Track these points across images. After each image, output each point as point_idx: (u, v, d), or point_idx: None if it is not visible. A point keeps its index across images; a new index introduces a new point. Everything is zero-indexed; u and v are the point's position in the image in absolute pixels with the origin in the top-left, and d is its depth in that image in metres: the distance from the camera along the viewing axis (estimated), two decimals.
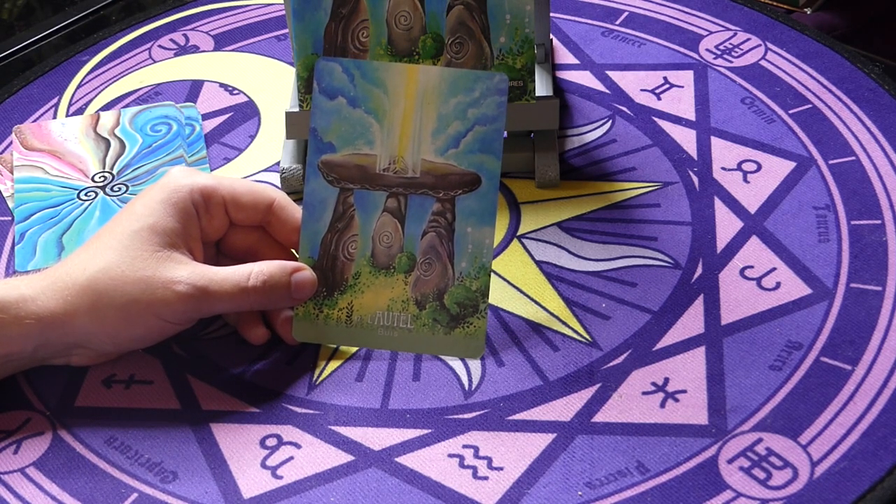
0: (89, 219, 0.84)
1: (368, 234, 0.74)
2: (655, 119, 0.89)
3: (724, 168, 0.85)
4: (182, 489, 0.68)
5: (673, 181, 0.84)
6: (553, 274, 0.79)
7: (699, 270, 0.78)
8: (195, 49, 1.00)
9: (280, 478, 0.68)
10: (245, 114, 0.94)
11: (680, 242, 0.80)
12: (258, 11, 1.04)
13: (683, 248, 0.80)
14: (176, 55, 1.00)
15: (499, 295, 0.78)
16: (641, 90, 0.92)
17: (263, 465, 0.69)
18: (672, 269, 0.78)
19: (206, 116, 0.94)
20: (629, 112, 0.90)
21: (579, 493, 0.66)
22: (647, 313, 0.76)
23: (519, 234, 0.82)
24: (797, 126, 0.88)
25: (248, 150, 0.91)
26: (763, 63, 0.93)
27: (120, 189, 0.87)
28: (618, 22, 0.99)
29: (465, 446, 0.69)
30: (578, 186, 0.85)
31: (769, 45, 0.95)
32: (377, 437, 0.70)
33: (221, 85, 0.97)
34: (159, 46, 1.01)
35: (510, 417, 0.70)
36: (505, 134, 0.86)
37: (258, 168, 0.89)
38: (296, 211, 0.75)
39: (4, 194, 0.88)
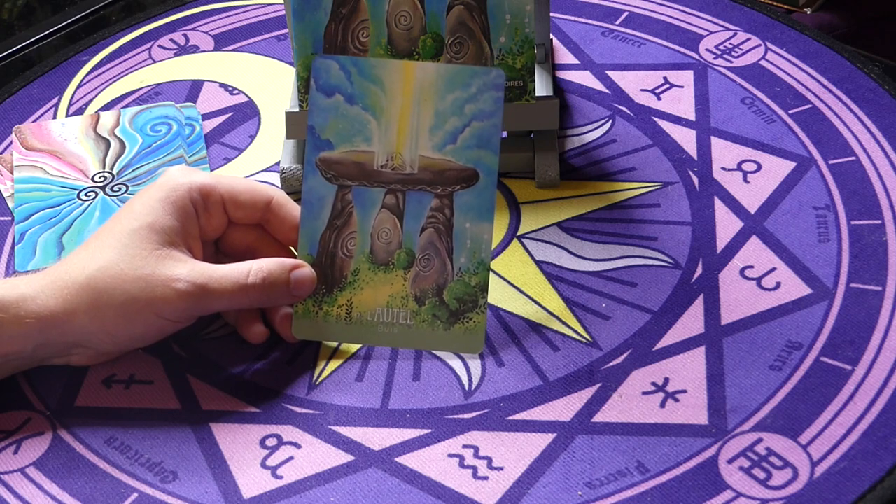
0: (89, 219, 0.84)
1: (367, 230, 0.74)
2: (655, 119, 0.89)
3: (724, 168, 0.85)
4: (182, 489, 0.68)
5: (673, 181, 0.84)
6: (553, 274, 0.79)
7: (699, 270, 0.78)
8: (195, 49, 1.00)
9: (280, 478, 0.68)
10: (245, 114, 0.94)
11: (680, 242, 0.80)
12: (258, 11, 1.04)
13: (683, 248, 0.80)
14: (176, 55, 1.00)
15: (499, 295, 0.78)
16: (641, 90, 0.92)
17: (263, 465, 0.69)
18: (672, 269, 0.78)
19: (206, 116, 0.93)
20: (629, 112, 0.90)
21: (579, 493, 0.66)
22: (647, 313, 0.76)
23: (519, 234, 0.82)
24: (797, 126, 0.88)
25: (248, 150, 0.91)
26: (763, 63, 0.93)
27: (120, 189, 0.87)
28: (618, 22, 0.99)
29: (465, 446, 0.69)
30: (578, 186, 0.85)
31: (769, 45, 0.95)
32: (377, 437, 0.70)
33: (221, 85, 0.97)
34: (159, 46, 1.01)
35: (510, 417, 0.70)
36: (505, 134, 0.86)
37: (258, 168, 0.89)
38: (294, 209, 0.75)
39: (4, 194, 0.88)
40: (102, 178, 0.88)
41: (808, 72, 0.92)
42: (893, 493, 0.65)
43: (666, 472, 0.67)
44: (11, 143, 0.92)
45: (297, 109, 0.84)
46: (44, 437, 0.71)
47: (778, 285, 0.76)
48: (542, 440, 0.69)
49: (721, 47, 0.95)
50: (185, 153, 0.89)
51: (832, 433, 0.68)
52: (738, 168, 0.85)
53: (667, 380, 0.72)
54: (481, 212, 0.73)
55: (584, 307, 0.76)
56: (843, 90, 0.90)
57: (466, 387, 0.72)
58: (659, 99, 0.91)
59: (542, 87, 0.86)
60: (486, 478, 0.67)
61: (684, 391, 0.71)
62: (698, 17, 0.99)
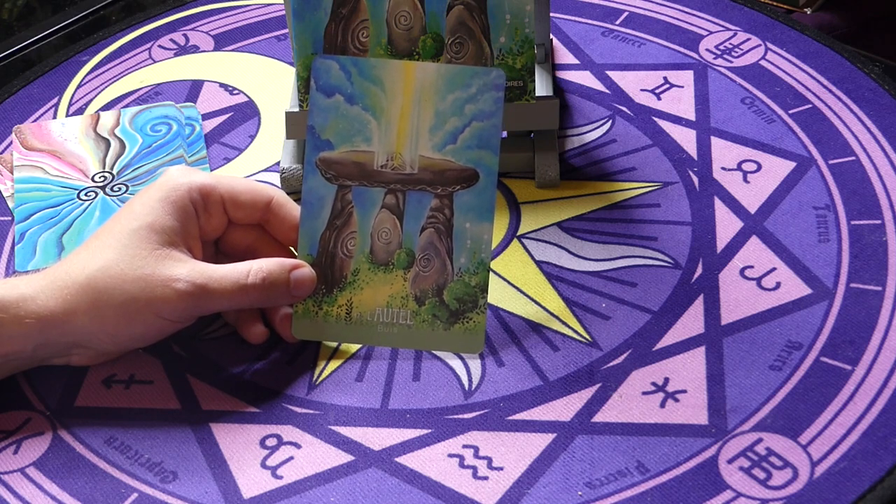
0: (89, 219, 0.84)
1: (367, 230, 0.74)
2: (655, 119, 0.89)
3: (724, 168, 0.85)
4: (182, 489, 0.68)
5: (673, 181, 0.84)
6: (553, 274, 0.79)
7: (699, 270, 0.78)
8: (195, 49, 1.00)
9: (280, 478, 0.68)
10: (245, 114, 0.94)
11: (680, 242, 0.80)
12: (258, 11, 1.04)
13: (683, 248, 0.80)
14: (176, 55, 1.00)
15: (499, 295, 0.78)
16: (641, 90, 0.92)
17: (263, 465, 0.69)
18: (672, 269, 0.78)
19: (206, 116, 0.93)
20: (629, 112, 0.90)
21: (579, 493, 0.66)
22: (647, 313, 0.76)
23: (519, 234, 0.82)
24: (797, 126, 0.88)
25: (248, 150, 0.91)
26: (763, 63, 0.93)
27: (120, 189, 0.87)
28: (618, 22, 0.99)
29: (465, 446, 0.69)
30: (578, 186, 0.85)
31: (769, 45, 0.95)
32: (377, 437, 0.70)
33: (221, 85, 0.97)
34: (159, 46, 1.01)
35: (510, 417, 0.70)
36: (505, 134, 0.86)
37: (258, 168, 0.89)
38: (294, 209, 0.75)
39: (4, 194, 0.88)
40: (102, 178, 0.88)
41: (808, 72, 0.92)
42: (893, 493, 0.65)
43: (666, 472, 0.67)
44: (11, 143, 0.92)
45: (297, 109, 0.84)
46: (44, 437, 0.71)
47: (778, 285, 0.76)
48: (542, 440, 0.69)
49: (721, 47, 0.95)
50: (185, 153, 0.89)
51: (832, 433, 0.68)
52: (738, 168, 0.85)
53: (667, 380, 0.72)
54: (481, 212, 0.73)
55: (584, 307, 0.76)
56: (843, 90, 0.90)
57: (466, 387, 0.72)
58: (659, 99, 0.91)
59: (542, 87, 0.86)
60: (486, 478, 0.67)
61: (684, 391, 0.71)
62: (698, 17, 0.99)
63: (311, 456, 0.69)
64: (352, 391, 0.73)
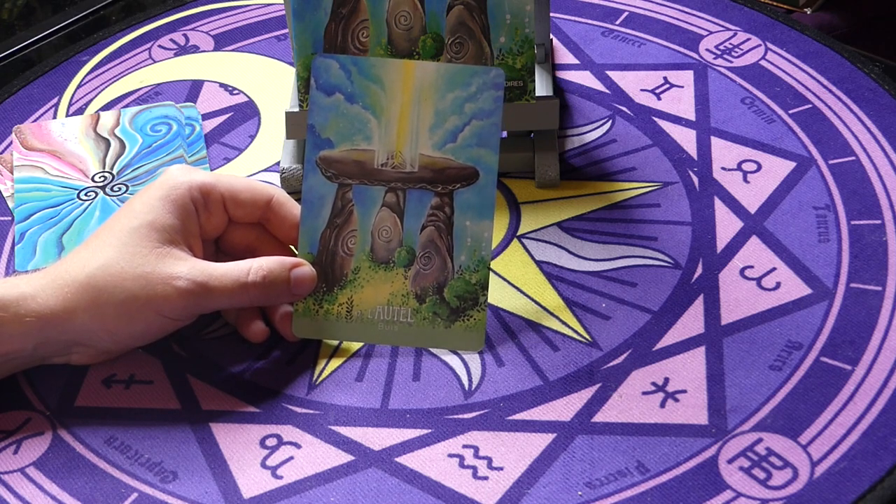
0: (89, 219, 0.84)
1: (367, 229, 0.74)
2: (655, 119, 0.89)
3: (724, 168, 0.85)
4: (182, 489, 0.68)
5: (673, 181, 0.84)
6: (553, 274, 0.79)
7: (699, 270, 0.78)
8: (195, 49, 1.00)
9: (280, 478, 0.68)
10: (245, 114, 0.94)
11: (680, 242, 0.80)
12: (258, 11, 1.04)
13: (683, 248, 0.80)
14: (176, 55, 1.00)
15: (499, 294, 0.78)
16: (641, 90, 0.92)
17: (263, 465, 0.69)
18: (672, 269, 0.78)
19: (206, 116, 0.93)
20: (629, 112, 0.90)
21: (579, 493, 0.66)
22: (647, 313, 0.76)
23: (519, 234, 0.82)
24: (797, 126, 0.88)
25: (248, 150, 0.91)
26: (763, 63, 0.93)
27: (120, 189, 0.87)
28: (618, 22, 0.99)
29: (465, 446, 0.69)
30: (578, 186, 0.85)
31: (769, 45, 0.95)
32: (377, 437, 0.70)
33: (221, 85, 0.97)
34: (159, 46, 1.01)
35: (510, 417, 0.70)
36: (505, 134, 0.86)
37: (258, 168, 0.89)
38: (294, 207, 0.75)
39: (4, 194, 0.88)
40: (102, 178, 0.88)
41: (808, 72, 0.92)
42: (893, 493, 0.65)
43: (666, 472, 0.67)
44: (11, 143, 0.92)
45: (297, 109, 0.84)
46: (44, 437, 0.71)
47: (778, 285, 0.76)
48: (542, 440, 0.69)
49: (721, 47, 0.95)
50: (185, 153, 0.89)
51: (832, 433, 0.68)
52: (738, 168, 0.85)
53: (667, 380, 0.72)
54: (481, 210, 0.73)
55: (584, 307, 0.76)
56: (843, 90, 0.90)
57: (466, 387, 0.72)
58: (659, 99, 0.91)
59: (542, 87, 0.86)
60: (486, 478, 0.67)
61: (684, 391, 0.71)
62: (698, 17, 0.99)
63: (311, 456, 0.69)
64: (352, 391, 0.73)
